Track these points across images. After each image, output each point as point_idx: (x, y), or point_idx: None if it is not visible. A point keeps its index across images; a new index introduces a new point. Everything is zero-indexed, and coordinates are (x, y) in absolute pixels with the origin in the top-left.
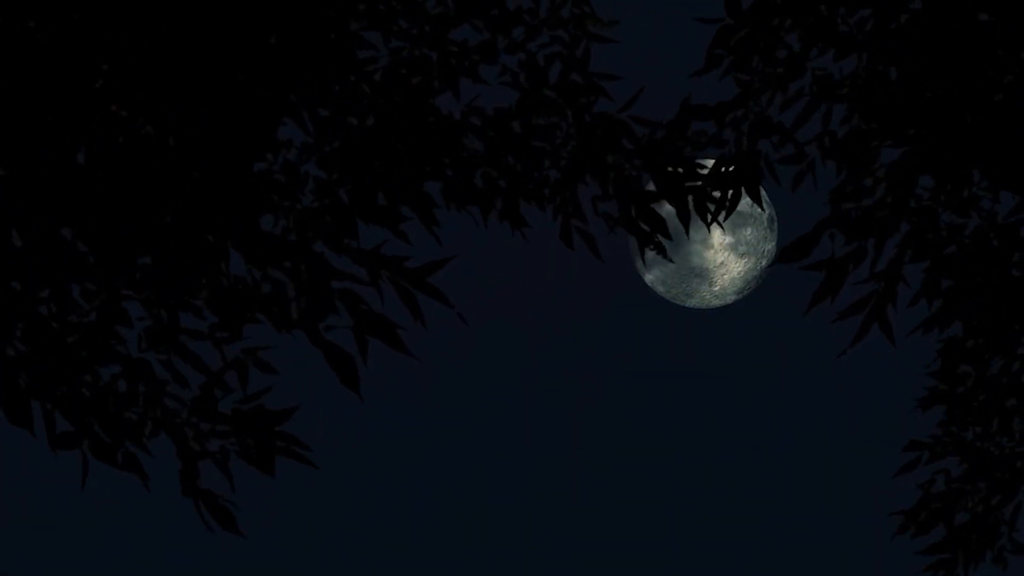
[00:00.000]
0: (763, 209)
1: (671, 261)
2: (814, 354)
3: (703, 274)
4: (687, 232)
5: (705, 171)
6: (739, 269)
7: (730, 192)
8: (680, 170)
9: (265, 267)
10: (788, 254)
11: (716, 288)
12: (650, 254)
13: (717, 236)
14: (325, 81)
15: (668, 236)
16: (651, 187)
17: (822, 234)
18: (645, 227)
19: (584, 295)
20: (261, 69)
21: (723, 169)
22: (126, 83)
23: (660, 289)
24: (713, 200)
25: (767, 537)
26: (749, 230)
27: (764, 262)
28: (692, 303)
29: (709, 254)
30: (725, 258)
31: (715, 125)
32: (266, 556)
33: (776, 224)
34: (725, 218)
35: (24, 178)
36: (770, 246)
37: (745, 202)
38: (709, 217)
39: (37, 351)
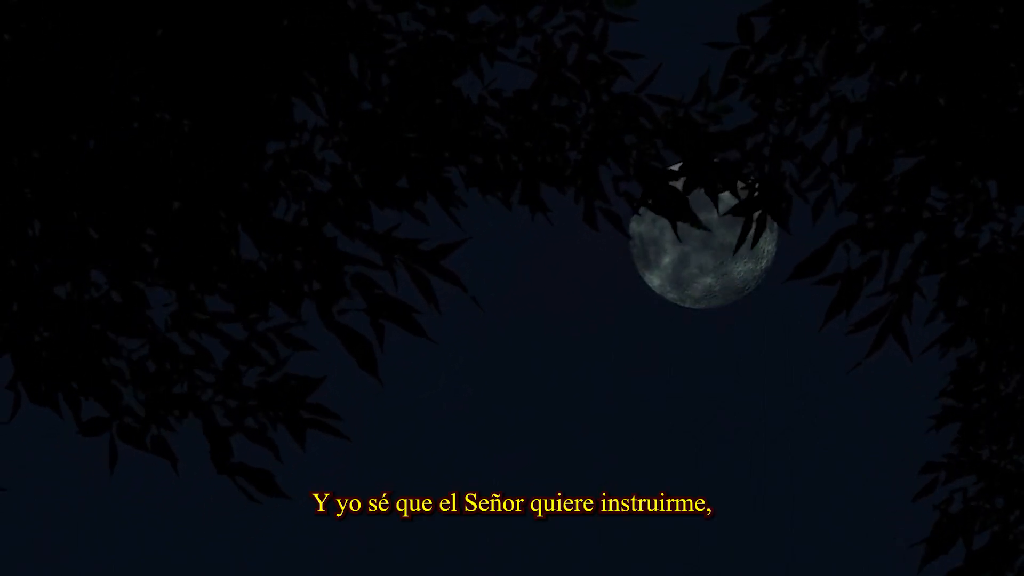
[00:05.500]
0: (789, 233)
1: (708, 230)
2: (815, 356)
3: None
4: (716, 208)
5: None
6: (740, 270)
7: (755, 216)
8: (704, 147)
9: (276, 252)
10: (803, 270)
11: (717, 287)
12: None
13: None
14: (339, 63)
15: (690, 214)
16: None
17: (836, 247)
18: (668, 207)
19: (584, 293)
20: (275, 52)
21: (748, 194)
22: (140, 69)
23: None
24: (737, 177)
25: (770, 537)
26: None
27: (764, 263)
28: (691, 304)
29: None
30: (724, 257)
31: (736, 152)
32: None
33: (776, 226)
34: (752, 245)
35: (38, 168)
36: (770, 246)
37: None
38: (737, 240)
39: (60, 335)
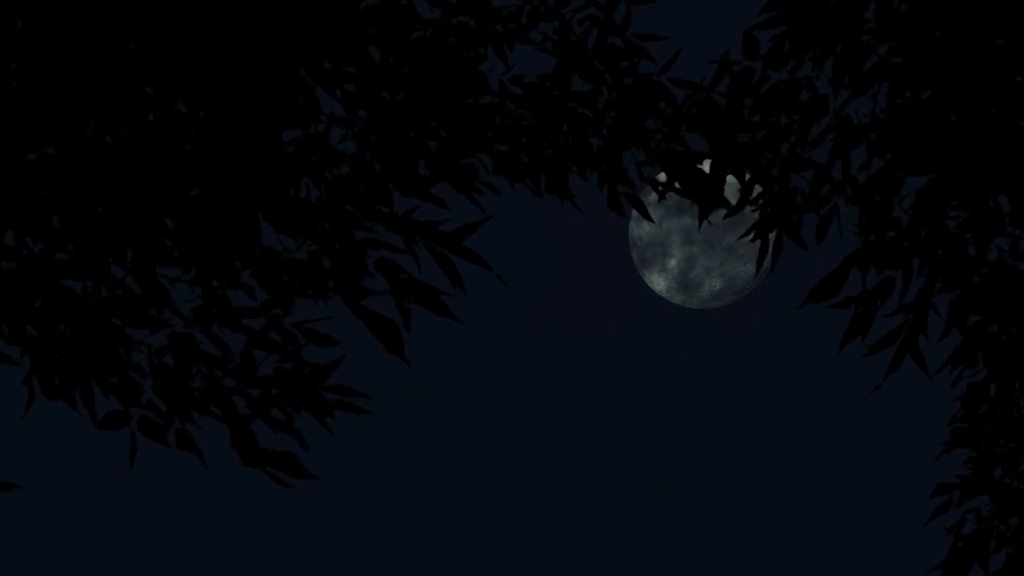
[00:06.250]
0: (806, 249)
1: (741, 210)
2: (816, 354)
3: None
4: (747, 193)
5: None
6: (741, 271)
7: (771, 236)
8: (729, 128)
9: (296, 236)
10: (817, 293)
11: (718, 287)
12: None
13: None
14: (359, 52)
15: (722, 196)
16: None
17: (850, 269)
18: (697, 190)
19: (585, 294)
20: (292, 40)
21: (761, 213)
22: (156, 60)
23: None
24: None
25: (770, 538)
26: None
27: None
28: (692, 304)
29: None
30: (725, 258)
31: (747, 172)
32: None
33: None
34: (773, 267)
35: (54, 162)
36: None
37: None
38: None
39: (78, 328)
